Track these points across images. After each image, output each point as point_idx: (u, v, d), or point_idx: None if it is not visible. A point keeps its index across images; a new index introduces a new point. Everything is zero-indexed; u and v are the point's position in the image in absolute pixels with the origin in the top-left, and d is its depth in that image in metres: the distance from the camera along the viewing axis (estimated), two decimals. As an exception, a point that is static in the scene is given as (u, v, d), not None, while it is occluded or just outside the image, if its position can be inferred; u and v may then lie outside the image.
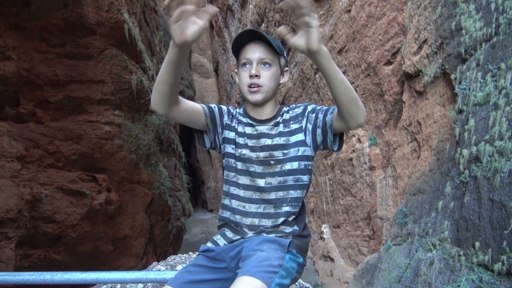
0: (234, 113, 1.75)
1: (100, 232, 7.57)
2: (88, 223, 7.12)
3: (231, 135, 1.70)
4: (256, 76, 1.58)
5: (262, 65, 1.59)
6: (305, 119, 1.63)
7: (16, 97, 6.46)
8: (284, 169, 1.62)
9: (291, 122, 1.65)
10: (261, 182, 1.63)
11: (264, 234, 1.59)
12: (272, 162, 1.62)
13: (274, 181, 1.62)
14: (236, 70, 1.72)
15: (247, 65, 1.60)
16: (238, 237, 1.64)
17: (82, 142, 7.03)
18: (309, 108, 1.65)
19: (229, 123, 1.71)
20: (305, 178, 1.65)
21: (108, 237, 7.82)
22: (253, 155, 1.64)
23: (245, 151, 1.66)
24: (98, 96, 7.11)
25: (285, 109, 1.71)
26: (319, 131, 1.59)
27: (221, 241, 1.67)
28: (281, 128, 1.65)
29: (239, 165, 1.67)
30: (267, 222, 1.61)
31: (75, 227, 6.87)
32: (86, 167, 7.30)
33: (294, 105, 1.72)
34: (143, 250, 8.93)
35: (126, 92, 7.56)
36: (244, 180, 1.65)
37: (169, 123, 12.27)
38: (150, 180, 8.99)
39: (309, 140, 1.62)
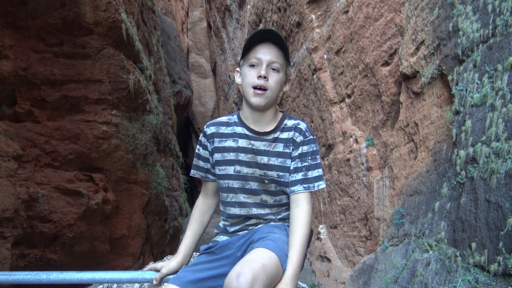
0: (214, 131, 1.68)
1: (97, 232, 7.55)
2: (84, 223, 7.11)
3: (217, 156, 1.65)
4: (265, 77, 1.52)
5: (271, 70, 1.54)
6: (295, 153, 1.58)
7: (13, 96, 6.44)
8: (278, 189, 1.60)
9: (290, 145, 1.59)
10: (256, 199, 1.61)
11: (273, 223, 1.61)
12: (266, 181, 1.59)
13: (270, 199, 1.61)
14: (238, 69, 1.65)
15: (256, 66, 1.54)
16: (243, 231, 1.64)
17: (79, 141, 7.02)
18: (304, 148, 1.58)
19: (217, 145, 1.66)
20: None
21: (104, 237, 7.80)
22: (249, 171, 1.59)
23: (239, 168, 1.60)
24: (95, 95, 7.10)
25: (288, 122, 1.63)
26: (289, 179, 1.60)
27: (224, 237, 1.66)
28: (280, 147, 1.59)
29: (231, 183, 1.62)
30: (272, 218, 1.63)
31: (72, 226, 6.85)
32: (83, 167, 7.28)
33: (298, 124, 1.63)
34: (140, 250, 8.91)
35: (123, 91, 7.55)
36: (239, 197, 1.62)
37: (166, 123, 12.26)
38: (147, 180, 8.98)
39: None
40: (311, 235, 1.63)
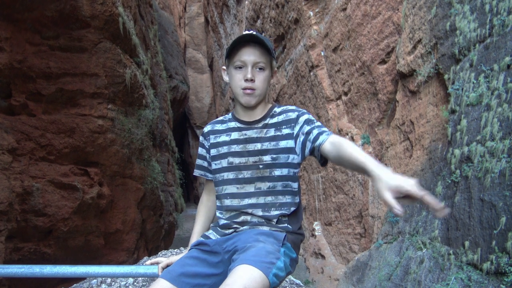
0: (210, 128, 1.78)
1: (92, 226, 7.53)
2: (79, 217, 7.09)
3: (213, 151, 1.73)
4: (252, 80, 1.59)
5: (257, 69, 1.60)
6: (298, 127, 1.60)
7: (8, 89, 6.39)
8: (273, 174, 1.61)
9: (283, 127, 1.63)
10: (250, 188, 1.62)
11: (260, 227, 1.60)
12: (261, 166, 1.61)
13: (264, 186, 1.62)
14: (224, 67, 1.72)
15: (242, 68, 1.61)
16: (230, 230, 1.64)
17: (74, 135, 6.98)
18: (305, 117, 1.60)
19: (212, 142, 1.74)
20: (294, 185, 1.66)
21: (99, 232, 7.78)
22: (242, 160, 1.63)
23: (232, 159, 1.65)
24: (91, 89, 7.06)
25: (277, 109, 1.70)
26: (309, 145, 1.54)
27: (213, 236, 1.67)
28: (272, 132, 1.64)
29: (226, 175, 1.66)
30: (260, 219, 1.61)
31: (66, 220, 6.83)
32: (78, 161, 7.25)
33: (287, 107, 1.70)
34: (134, 245, 8.91)
35: (119, 86, 7.51)
36: (232, 189, 1.64)
37: (162, 118, 12.23)
38: (142, 174, 8.96)
39: (298, 149, 1.60)
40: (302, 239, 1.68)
